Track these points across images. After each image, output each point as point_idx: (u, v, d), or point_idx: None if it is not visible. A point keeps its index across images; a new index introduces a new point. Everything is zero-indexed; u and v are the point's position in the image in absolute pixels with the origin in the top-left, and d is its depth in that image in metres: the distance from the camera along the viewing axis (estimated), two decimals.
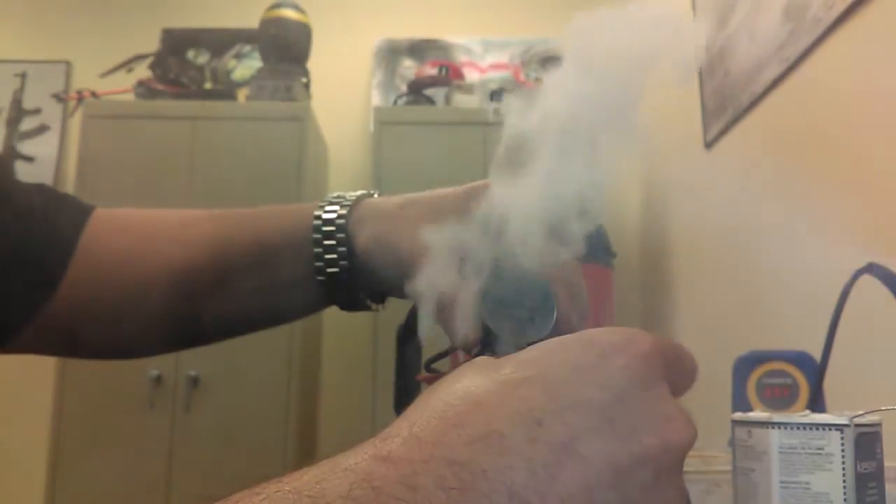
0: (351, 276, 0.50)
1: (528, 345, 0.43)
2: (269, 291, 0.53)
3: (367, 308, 0.54)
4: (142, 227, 0.57)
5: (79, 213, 0.56)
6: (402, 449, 0.26)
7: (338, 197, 0.52)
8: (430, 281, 0.44)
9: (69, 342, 0.57)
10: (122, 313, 0.54)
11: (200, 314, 0.54)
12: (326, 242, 0.50)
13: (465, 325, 0.42)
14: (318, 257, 0.50)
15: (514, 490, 0.25)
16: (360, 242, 0.49)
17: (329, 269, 0.50)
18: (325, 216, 0.50)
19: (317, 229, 0.50)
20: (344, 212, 0.50)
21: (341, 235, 0.49)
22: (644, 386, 0.29)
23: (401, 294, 0.50)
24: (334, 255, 0.49)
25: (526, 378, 0.28)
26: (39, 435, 2.35)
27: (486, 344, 0.44)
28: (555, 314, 0.43)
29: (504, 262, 0.45)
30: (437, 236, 0.44)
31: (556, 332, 0.44)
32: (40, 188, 0.56)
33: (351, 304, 0.53)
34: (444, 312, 0.44)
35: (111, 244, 0.55)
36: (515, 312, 0.43)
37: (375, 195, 0.53)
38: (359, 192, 0.52)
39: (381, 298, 0.54)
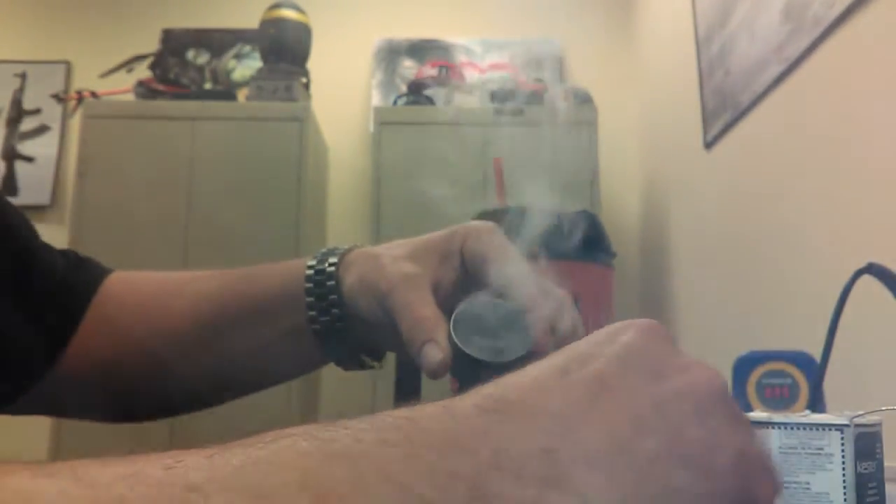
0: (343, 324, 0.50)
1: (501, 368, 0.43)
2: (266, 346, 0.54)
3: (364, 364, 0.54)
4: (150, 285, 0.58)
5: (95, 274, 0.58)
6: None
7: (332, 248, 0.52)
8: (403, 308, 0.45)
9: (79, 402, 0.57)
10: (127, 371, 0.55)
11: (201, 371, 0.54)
12: (318, 291, 0.50)
13: (435, 351, 0.43)
14: (311, 306, 0.50)
15: (556, 413, 0.26)
16: (346, 286, 0.49)
17: (321, 318, 0.50)
18: (317, 266, 0.51)
19: (309, 279, 0.50)
20: (335, 260, 0.50)
21: (331, 283, 0.50)
22: (654, 346, 0.30)
23: (392, 343, 0.49)
24: (325, 303, 0.50)
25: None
26: (40, 435, 2.35)
27: (457, 370, 0.44)
28: (530, 342, 0.43)
29: (479, 291, 0.45)
30: (411, 268, 0.46)
31: (531, 359, 0.44)
32: (64, 253, 0.58)
33: (347, 359, 0.54)
34: (414, 339, 0.44)
35: (121, 303, 0.56)
36: (488, 340, 0.43)
37: (355, 245, 0.53)
38: (352, 244, 0.53)
39: (378, 355, 0.54)
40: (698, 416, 0.27)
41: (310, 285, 0.50)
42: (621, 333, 0.30)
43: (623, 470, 0.25)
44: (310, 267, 0.51)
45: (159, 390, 0.56)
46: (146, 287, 0.58)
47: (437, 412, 0.25)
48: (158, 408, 0.60)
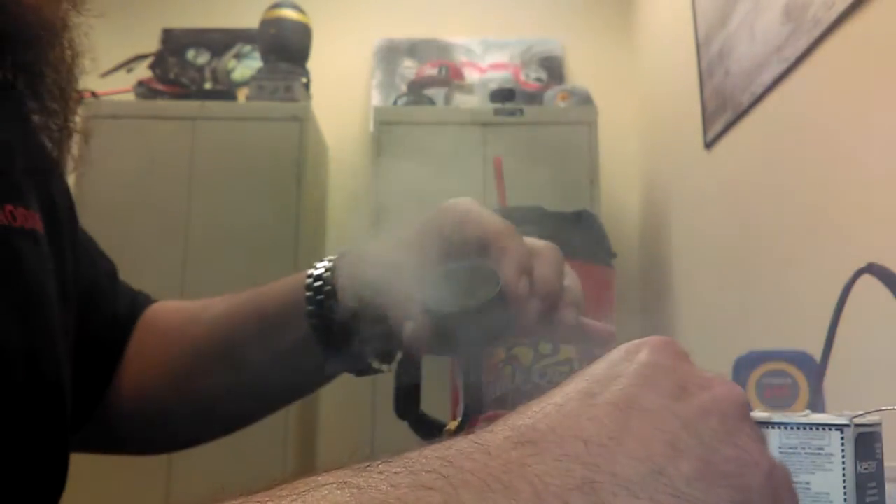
0: (343, 329, 0.50)
1: (474, 316, 0.43)
2: (278, 360, 0.55)
3: (372, 368, 0.54)
4: (174, 314, 0.60)
5: (134, 310, 0.60)
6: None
7: (331, 257, 0.53)
8: (381, 286, 0.45)
9: (121, 437, 0.59)
10: (158, 399, 0.56)
11: (223, 390, 0.55)
12: (317, 299, 0.51)
13: (409, 324, 0.43)
14: (311, 315, 0.51)
15: (587, 438, 0.26)
16: (340, 289, 0.50)
17: (322, 325, 0.51)
18: (315, 273, 0.52)
19: (308, 287, 0.51)
20: (330, 266, 0.52)
21: (328, 288, 0.51)
22: (673, 363, 0.30)
23: (391, 340, 0.49)
24: (323, 310, 0.51)
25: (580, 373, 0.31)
26: None
27: (438, 335, 0.44)
28: (497, 285, 0.43)
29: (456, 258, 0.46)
30: (395, 258, 0.47)
31: (503, 299, 0.43)
32: (125, 291, 0.61)
33: (356, 365, 0.54)
34: (397, 321, 0.45)
35: (150, 335, 0.58)
36: (461, 298, 0.44)
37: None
38: (347, 248, 0.54)
39: (387, 358, 0.55)
40: (727, 433, 0.28)
41: (309, 293, 0.51)
42: (638, 352, 0.30)
43: (663, 494, 0.25)
44: (308, 276, 0.52)
45: (186, 416, 0.57)
46: (170, 317, 0.59)
47: (471, 448, 0.25)
48: (189, 435, 0.61)
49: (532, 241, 0.47)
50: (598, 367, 0.30)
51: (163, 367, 0.56)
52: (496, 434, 0.26)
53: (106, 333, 0.56)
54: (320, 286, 0.51)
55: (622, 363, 0.30)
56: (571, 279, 0.47)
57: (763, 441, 0.29)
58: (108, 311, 0.57)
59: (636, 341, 0.31)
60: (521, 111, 2.55)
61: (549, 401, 0.28)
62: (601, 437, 0.26)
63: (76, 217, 0.56)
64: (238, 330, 0.55)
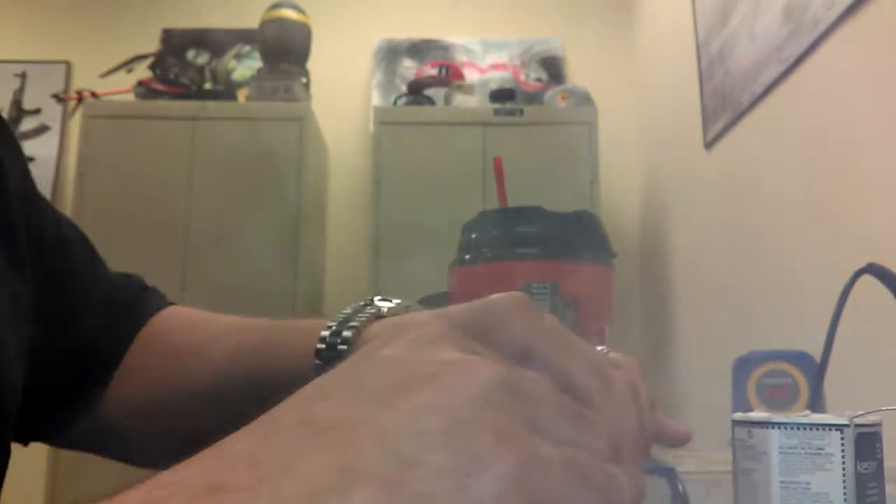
0: None
1: None
2: None
3: None
4: (181, 335, 0.56)
5: (147, 308, 0.57)
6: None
7: (344, 318, 0.44)
8: None
9: (116, 443, 0.56)
10: (155, 419, 0.54)
11: (214, 433, 0.52)
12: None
13: None
14: None
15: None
16: None
17: None
18: (328, 338, 0.44)
19: (318, 368, 0.43)
20: (349, 337, 0.43)
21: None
22: (416, 350, 0.26)
23: None
24: None
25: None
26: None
27: None
28: None
29: None
30: None
31: None
32: (127, 279, 0.58)
33: None
34: None
35: (152, 352, 0.56)
36: None
37: (389, 306, 0.45)
38: (370, 309, 0.44)
39: None
40: (445, 438, 0.21)
41: (318, 363, 0.44)
42: (386, 341, 0.26)
43: None
44: (318, 353, 0.44)
45: (178, 442, 0.55)
46: (175, 336, 0.56)
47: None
48: (181, 457, 0.59)
49: (610, 377, 0.33)
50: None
51: (157, 392, 0.54)
52: (133, 490, 0.21)
53: (83, 323, 0.53)
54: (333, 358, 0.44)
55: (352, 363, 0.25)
56: (646, 402, 0.36)
57: (478, 353, 0.24)
58: (83, 297, 0.53)
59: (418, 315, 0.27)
60: (521, 111, 2.55)
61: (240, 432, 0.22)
62: (247, 483, 0.20)
63: (32, 181, 0.52)
64: (237, 380, 0.51)
